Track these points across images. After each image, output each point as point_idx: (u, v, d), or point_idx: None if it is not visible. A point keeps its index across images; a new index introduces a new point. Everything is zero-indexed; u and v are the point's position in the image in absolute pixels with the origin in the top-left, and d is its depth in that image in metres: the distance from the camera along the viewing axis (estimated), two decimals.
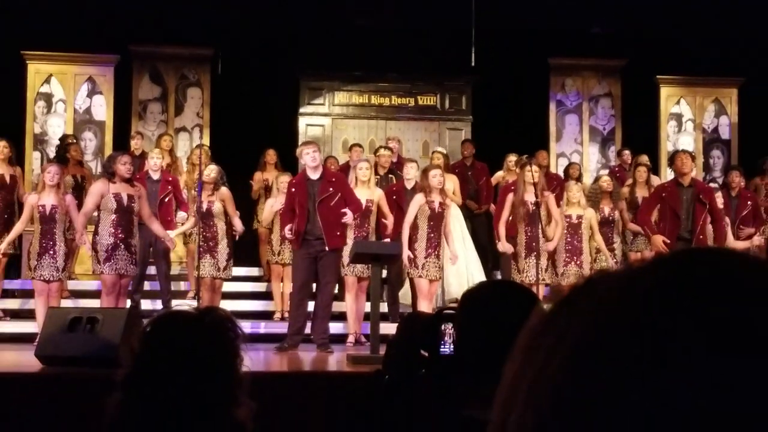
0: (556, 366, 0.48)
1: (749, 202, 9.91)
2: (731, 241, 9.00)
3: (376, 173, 9.68)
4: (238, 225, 9.07)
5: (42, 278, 8.32)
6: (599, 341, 0.48)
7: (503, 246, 8.92)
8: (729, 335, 0.46)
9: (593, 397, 0.47)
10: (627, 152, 11.25)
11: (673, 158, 9.41)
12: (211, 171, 8.97)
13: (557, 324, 0.51)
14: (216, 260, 8.89)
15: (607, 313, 0.49)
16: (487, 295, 2.06)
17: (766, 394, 0.45)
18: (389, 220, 8.81)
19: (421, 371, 2.03)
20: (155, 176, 9.12)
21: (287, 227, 8.05)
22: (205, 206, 8.83)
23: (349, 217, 7.98)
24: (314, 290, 8.15)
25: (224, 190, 9.11)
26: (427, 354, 2.03)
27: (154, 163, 9.27)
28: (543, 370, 0.49)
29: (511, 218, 8.99)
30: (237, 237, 9.20)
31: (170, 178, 9.33)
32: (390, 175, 10.07)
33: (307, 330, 8.13)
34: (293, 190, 8.20)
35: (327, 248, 7.94)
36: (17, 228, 8.76)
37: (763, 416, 0.45)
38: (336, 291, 8.73)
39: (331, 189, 8.08)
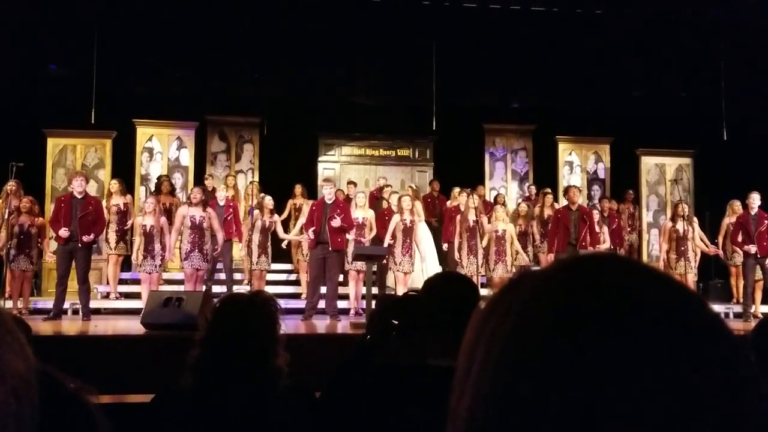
0: (505, 334, 0.47)
1: (616, 220, 10.07)
2: (604, 245, 9.08)
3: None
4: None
5: (146, 272, 8.29)
6: (529, 323, 0.47)
7: (451, 252, 8.99)
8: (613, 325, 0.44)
9: (527, 357, 0.45)
10: (533, 187, 11.31)
11: (567, 191, 9.46)
12: (270, 201, 8.98)
13: (498, 310, 0.49)
14: (268, 258, 8.91)
15: (531, 304, 0.48)
16: (441, 281, 2.09)
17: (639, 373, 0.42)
18: (372, 233, 8.87)
19: (392, 333, 2.04)
20: (222, 203, 9.12)
21: (310, 230, 8.06)
22: (267, 223, 8.87)
23: (336, 221, 8.02)
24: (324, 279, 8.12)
25: (276, 216, 9.16)
26: (396, 322, 2.04)
27: (222, 195, 9.22)
28: (495, 333, 0.48)
29: (458, 231, 9.02)
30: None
31: (231, 204, 9.32)
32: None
33: (321, 306, 8.14)
34: (314, 209, 8.27)
35: (331, 249, 7.99)
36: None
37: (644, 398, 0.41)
38: (341, 279, 8.72)
39: (338, 211, 8.12)
